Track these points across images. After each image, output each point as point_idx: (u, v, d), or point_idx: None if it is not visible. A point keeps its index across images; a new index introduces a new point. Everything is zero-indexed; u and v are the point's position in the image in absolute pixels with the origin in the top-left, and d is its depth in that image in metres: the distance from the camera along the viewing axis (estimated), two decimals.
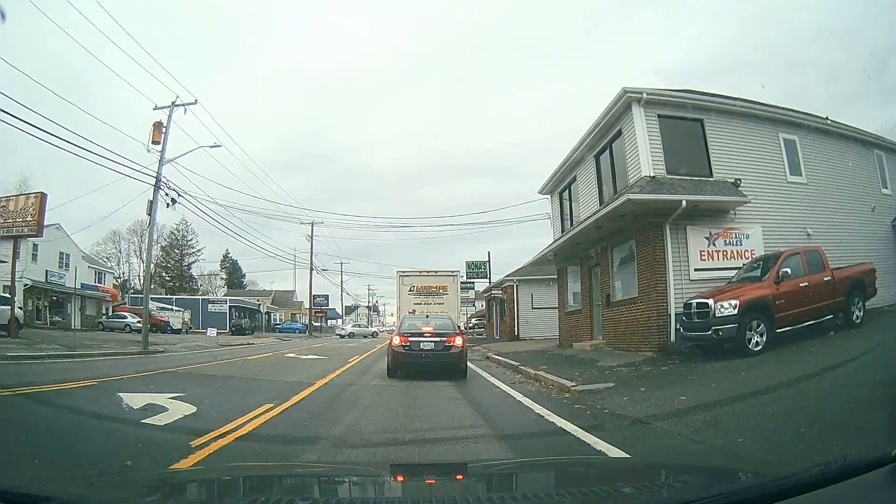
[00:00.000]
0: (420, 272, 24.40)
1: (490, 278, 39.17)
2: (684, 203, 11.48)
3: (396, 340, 10.70)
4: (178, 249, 71.83)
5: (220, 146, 22.64)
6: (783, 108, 14.16)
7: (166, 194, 23.48)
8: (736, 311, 9.66)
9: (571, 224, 17.10)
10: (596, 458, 4.20)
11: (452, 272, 24.92)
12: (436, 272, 24.46)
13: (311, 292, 47.46)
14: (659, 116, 12.87)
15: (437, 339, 10.57)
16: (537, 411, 6.63)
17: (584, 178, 16.12)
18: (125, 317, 37.33)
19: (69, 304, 42.12)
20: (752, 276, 11.12)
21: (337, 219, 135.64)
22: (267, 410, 6.44)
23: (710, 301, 10.02)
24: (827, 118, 14.71)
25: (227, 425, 5.47)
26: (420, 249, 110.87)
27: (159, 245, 73.65)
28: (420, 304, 21.80)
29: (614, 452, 4.44)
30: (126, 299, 50.51)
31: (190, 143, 23.28)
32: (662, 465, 3.03)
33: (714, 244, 12.61)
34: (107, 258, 66.80)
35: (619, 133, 13.55)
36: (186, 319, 42.47)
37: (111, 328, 34.93)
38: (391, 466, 3.74)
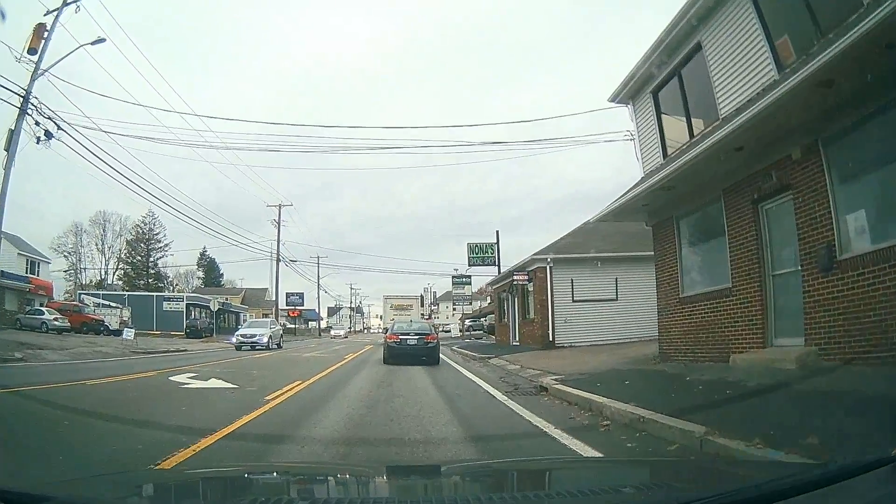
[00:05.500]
0: (396, 296, 48.87)
1: (499, 265, 31.60)
2: None
3: (390, 338, 15.03)
4: (145, 244, 64.53)
5: (103, 41, 15.01)
6: None
7: (37, 123, 15.87)
8: None
9: (691, 136, 9.49)
10: (591, 458, 4.06)
11: (415, 297, 47.06)
12: (406, 296, 49.70)
13: (276, 286, 39.35)
14: None
15: (419, 336, 14.88)
16: None
17: (723, 38, 8.43)
18: (43, 313, 30.11)
19: None
20: None
21: (315, 175, 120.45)
22: None
23: None
24: None
25: None
26: (417, 240, 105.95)
27: (123, 238, 66.49)
28: (397, 314, 38.97)
29: None
30: (75, 296, 43.70)
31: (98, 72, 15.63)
32: (662, 465, 2.91)
33: None
34: (68, 253, 59.76)
35: None
36: (126, 318, 34.67)
37: (30, 326, 28.45)
38: (388, 468, 3.52)
